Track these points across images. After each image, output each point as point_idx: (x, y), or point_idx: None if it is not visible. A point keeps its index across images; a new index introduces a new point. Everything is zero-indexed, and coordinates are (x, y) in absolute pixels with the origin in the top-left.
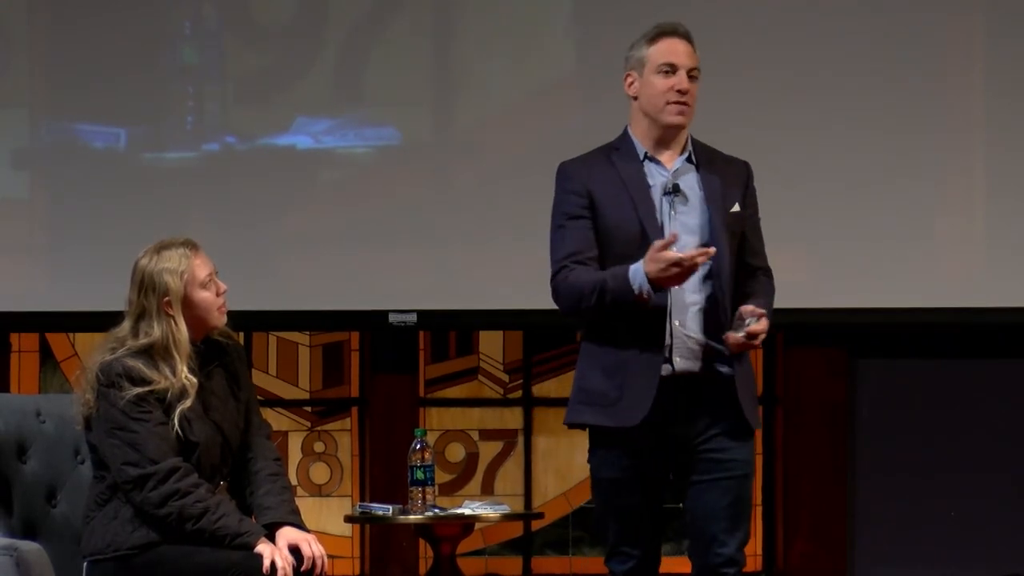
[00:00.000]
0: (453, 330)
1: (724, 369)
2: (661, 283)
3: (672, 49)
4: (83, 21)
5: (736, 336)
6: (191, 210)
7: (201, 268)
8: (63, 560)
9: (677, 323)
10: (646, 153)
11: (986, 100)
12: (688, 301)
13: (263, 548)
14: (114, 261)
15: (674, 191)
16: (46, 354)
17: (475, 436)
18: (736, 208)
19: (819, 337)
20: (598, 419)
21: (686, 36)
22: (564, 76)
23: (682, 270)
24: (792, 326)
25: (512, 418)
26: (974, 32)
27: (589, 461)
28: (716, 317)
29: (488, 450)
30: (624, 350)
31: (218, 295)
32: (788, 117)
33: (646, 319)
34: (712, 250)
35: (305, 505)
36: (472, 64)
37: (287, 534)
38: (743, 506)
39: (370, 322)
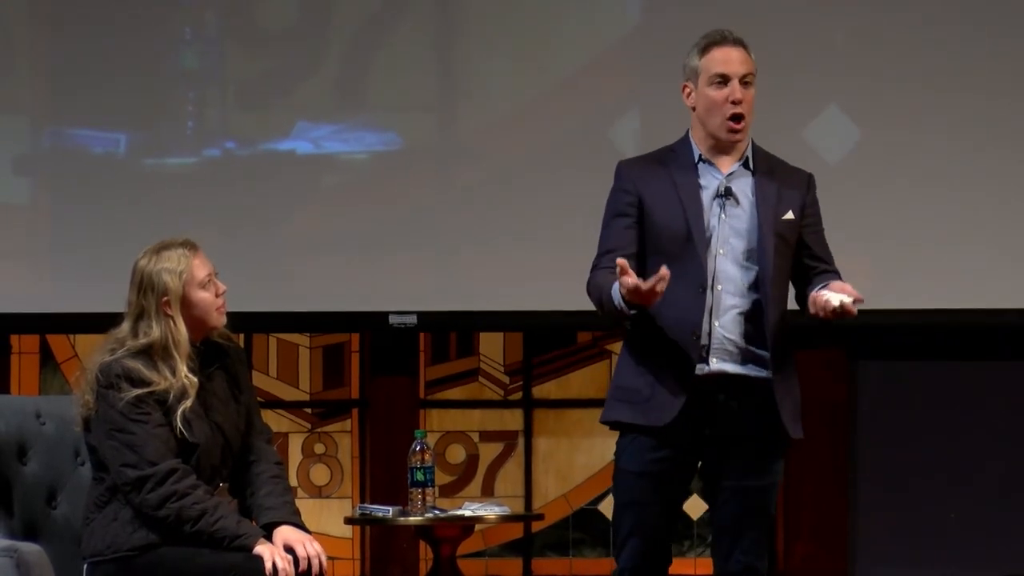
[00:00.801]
0: (453, 331)
1: (763, 373)
2: (635, 302)
3: (723, 58)
4: (84, 27)
5: (827, 300)
6: (191, 214)
7: (200, 268)
8: (63, 561)
9: (717, 324)
10: (700, 156)
11: (986, 100)
12: (729, 304)
13: (262, 549)
14: (114, 264)
15: (726, 194)
16: (46, 356)
17: (475, 437)
18: (790, 215)
19: (819, 338)
20: (630, 416)
21: (737, 42)
22: (565, 81)
23: (645, 293)
24: (792, 326)
25: (512, 419)
26: (972, 31)
27: (616, 450)
28: (757, 321)
29: (488, 451)
30: (660, 348)
31: (217, 295)
32: (786, 118)
33: (685, 319)
34: (664, 272)
35: (305, 506)
36: (472, 69)
37: (284, 534)
38: (766, 515)
39: (370, 324)
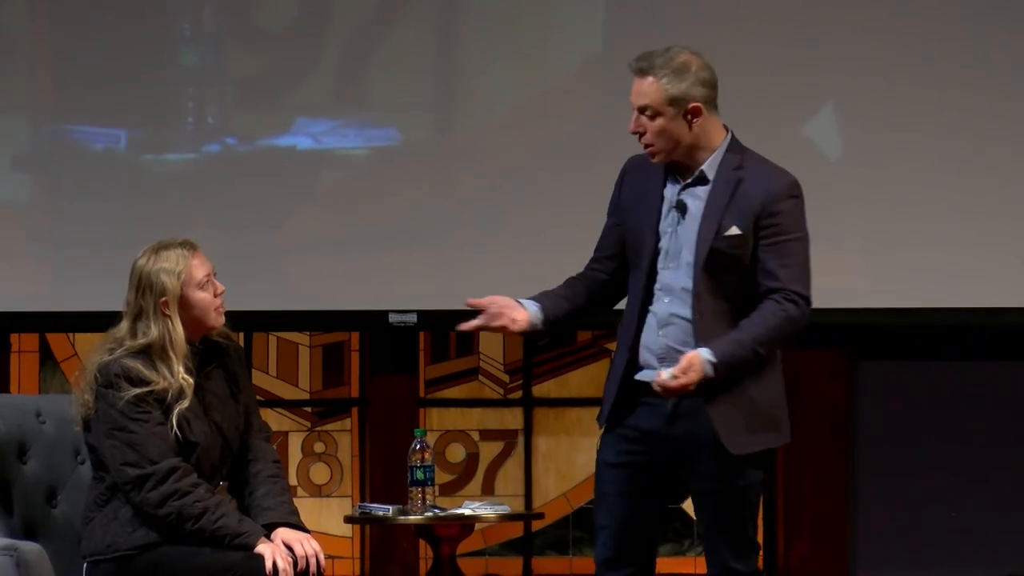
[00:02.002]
0: (453, 330)
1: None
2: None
3: (632, 89)
4: (83, 24)
5: (658, 378)
6: (191, 212)
7: (199, 269)
8: (63, 561)
9: (661, 333)
10: (666, 167)
11: (986, 99)
12: (673, 313)
13: (263, 548)
14: (114, 262)
15: (678, 207)
16: (46, 354)
17: (475, 436)
18: (734, 231)
19: (819, 338)
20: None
21: (642, 71)
22: (566, 79)
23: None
24: None
25: (512, 418)
26: (970, 32)
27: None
28: (698, 332)
29: (488, 450)
30: (617, 355)
31: (216, 296)
32: (786, 117)
33: (629, 328)
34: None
35: (305, 505)
36: (473, 66)
37: (282, 534)
38: (738, 517)
39: (370, 322)
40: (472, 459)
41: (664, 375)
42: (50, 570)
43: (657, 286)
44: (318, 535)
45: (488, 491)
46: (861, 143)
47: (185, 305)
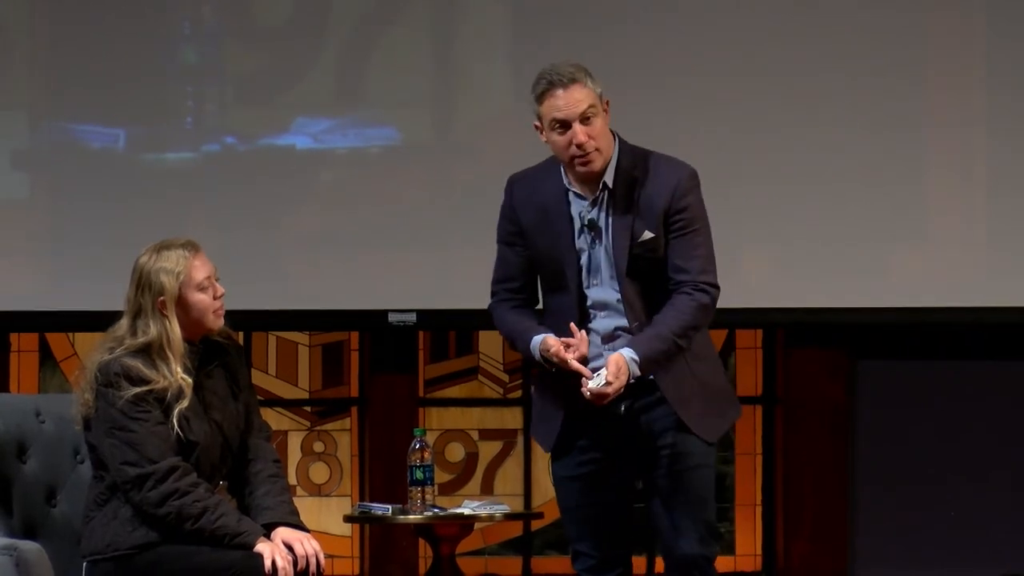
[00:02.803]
0: (453, 330)
1: (648, 376)
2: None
3: (557, 104)
4: (82, 22)
5: (583, 389)
6: (191, 210)
7: (199, 270)
8: (63, 560)
9: (607, 348)
10: (568, 184)
11: (987, 99)
12: (612, 326)
13: (263, 547)
14: (113, 261)
15: (590, 225)
16: (45, 354)
17: (475, 436)
18: (647, 235)
19: (819, 337)
20: (535, 435)
21: (571, 80)
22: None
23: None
24: (792, 326)
25: (512, 418)
26: (976, 31)
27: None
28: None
29: (488, 450)
30: (553, 377)
31: (215, 298)
32: (787, 117)
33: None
34: (581, 370)
35: (304, 505)
36: (472, 64)
37: (282, 533)
38: (697, 504)
39: (370, 322)
40: (471, 458)
41: (593, 384)
42: (50, 569)
43: (589, 304)
44: (318, 534)
45: (487, 490)
46: (860, 143)
47: (183, 306)
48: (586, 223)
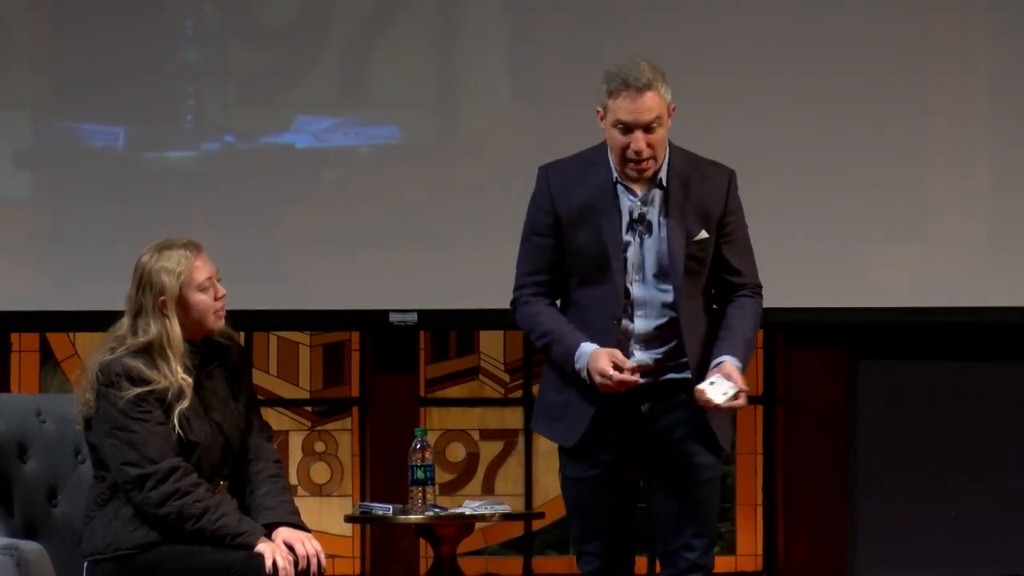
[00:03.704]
0: (454, 330)
1: (683, 374)
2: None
3: (626, 107)
4: (84, 21)
5: (707, 398)
6: (191, 210)
7: (200, 271)
8: (64, 560)
9: (636, 347)
10: (616, 177)
11: (988, 99)
12: (647, 327)
13: (263, 547)
14: (114, 261)
15: (639, 220)
16: (46, 354)
17: (476, 436)
18: (703, 235)
19: (819, 337)
20: (546, 431)
21: (646, 86)
22: (567, 77)
23: (613, 385)
24: (792, 326)
25: (513, 418)
26: (978, 31)
27: (560, 458)
28: (676, 337)
29: (489, 450)
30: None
31: (216, 299)
32: (788, 117)
33: (602, 345)
34: (635, 380)
35: (305, 505)
36: (473, 64)
37: (283, 533)
38: (704, 513)
39: (371, 322)
40: (472, 458)
41: (724, 395)
42: (50, 569)
43: (631, 300)
44: (318, 534)
45: (488, 490)
46: (863, 144)
47: (184, 306)
48: (635, 218)
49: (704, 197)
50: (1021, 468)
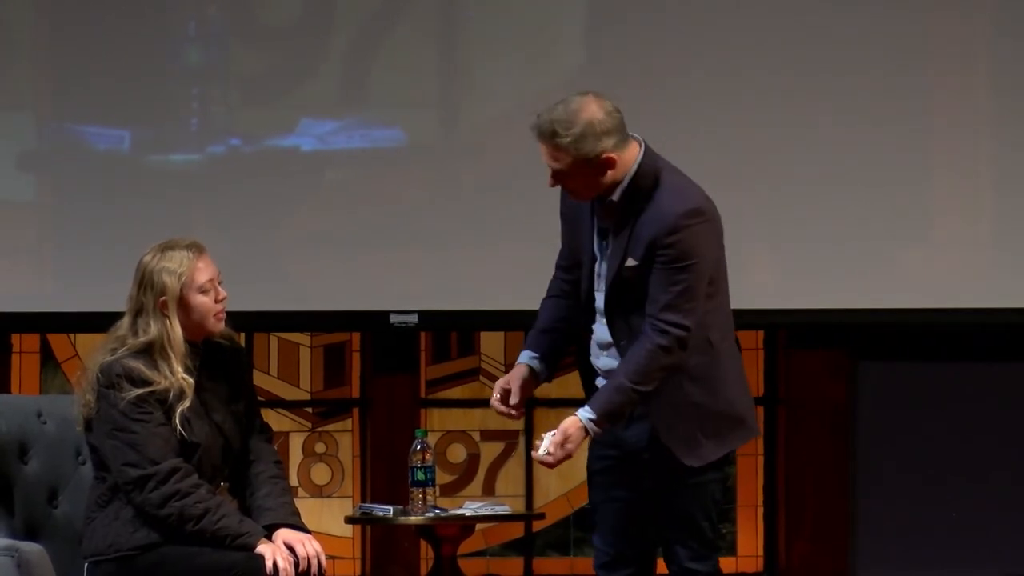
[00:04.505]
0: (454, 331)
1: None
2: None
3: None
4: (87, 23)
5: (535, 455)
6: (195, 212)
7: (202, 272)
8: (64, 561)
9: (605, 354)
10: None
11: (990, 99)
12: (606, 336)
13: (264, 548)
14: (116, 262)
15: (601, 234)
16: (47, 355)
17: (476, 437)
18: (630, 262)
19: (820, 338)
20: None
21: (540, 136)
22: (570, 79)
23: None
24: (793, 327)
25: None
26: (981, 32)
27: None
28: (618, 359)
29: (489, 451)
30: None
31: (217, 301)
32: (788, 117)
33: (583, 348)
34: (508, 413)
35: (306, 506)
36: (477, 66)
37: (283, 535)
38: (684, 518)
39: (371, 323)
40: (473, 459)
41: (540, 452)
42: (51, 570)
43: (595, 308)
44: (319, 536)
45: (489, 491)
46: (862, 142)
47: (184, 307)
48: (597, 232)
49: (648, 226)
50: (1021, 468)
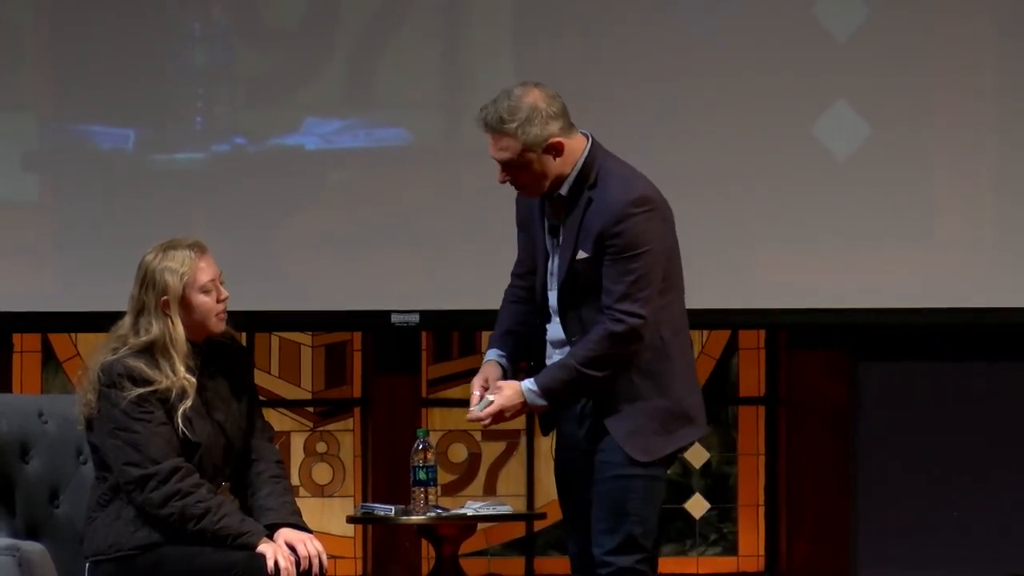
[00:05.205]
0: (456, 330)
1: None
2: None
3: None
4: (91, 22)
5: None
6: (198, 211)
7: (204, 272)
8: (65, 561)
9: (557, 353)
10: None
11: (991, 100)
12: (559, 334)
13: (265, 548)
14: (119, 262)
15: (551, 231)
16: (48, 355)
17: (477, 436)
18: (581, 255)
19: (821, 338)
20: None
21: (487, 126)
22: (572, 79)
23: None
24: (794, 327)
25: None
26: (983, 31)
27: None
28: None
29: (490, 450)
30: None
31: (218, 301)
32: (788, 117)
33: (539, 346)
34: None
35: (307, 505)
36: (481, 67)
37: (285, 534)
38: (611, 512)
39: (373, 322)
40: (474, 459)
41: (474, 409)
42: (52, 570)
43: (549, 307)
44: (320, 535)
45: (490, 491)
46: (864, 142)
47: (186, 306)
48: (549, 228)
49: (595, 217)
50: (1021, 468)
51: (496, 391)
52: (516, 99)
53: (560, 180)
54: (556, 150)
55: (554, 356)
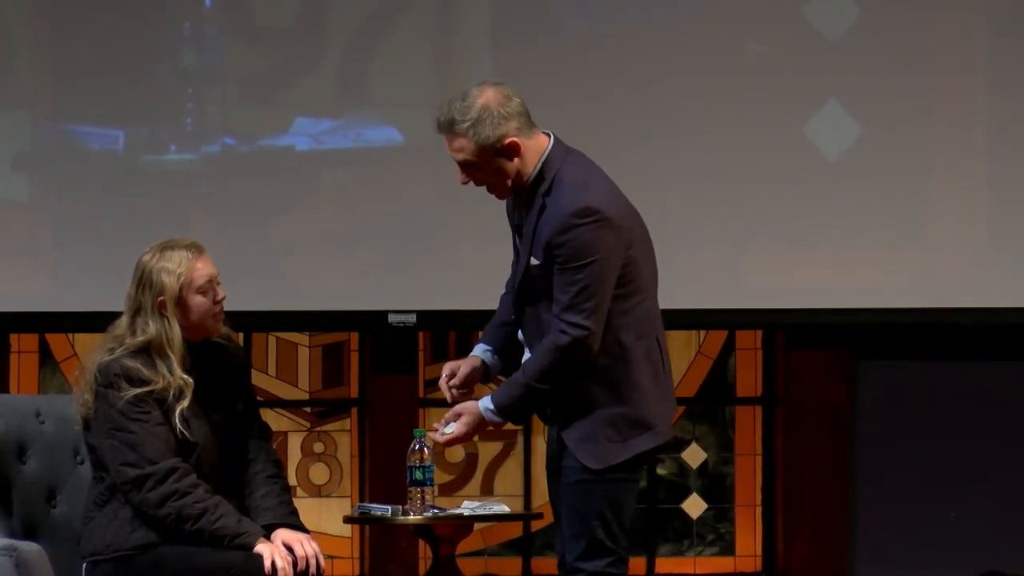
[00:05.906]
0: (453, 330)
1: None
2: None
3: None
4: (83, 23)
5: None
6: (191, 211)
7: (201, 273)
8: (63, 561)
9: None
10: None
11: (989, 100)
12: (526, 339)
13: (262, 548)
14: (113, 262)
15: (518, 232)
16: (45, 355)
17: (475, 436)
18: (534, 261)
19: (820, 338)
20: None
21: (442, 128)
22: (567, 78)
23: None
24: (793, 327)
25: None
26: (978, 31)
27: None
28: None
29: (487, 450)
30: None
31: (215, 302)
32: (788, 117)
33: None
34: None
35: (304, 506)
36: (472, 65)
37: (282, 534)
38: (576, 516)
39: (370, 322)
40: (471, 459)
41: (437, 435)
42: (50, 570)
43: (517, 311)
44: (317, 535)
45: (487, 491)
46: (862, 141)
47: (183, 307)
48: (513, 228)
49: (546, 223)
50: (1021, 468)
51: (455, 417)
52: (470, 100)
53: (523, 179)
54: (512, 150)
55: (526, 355)
